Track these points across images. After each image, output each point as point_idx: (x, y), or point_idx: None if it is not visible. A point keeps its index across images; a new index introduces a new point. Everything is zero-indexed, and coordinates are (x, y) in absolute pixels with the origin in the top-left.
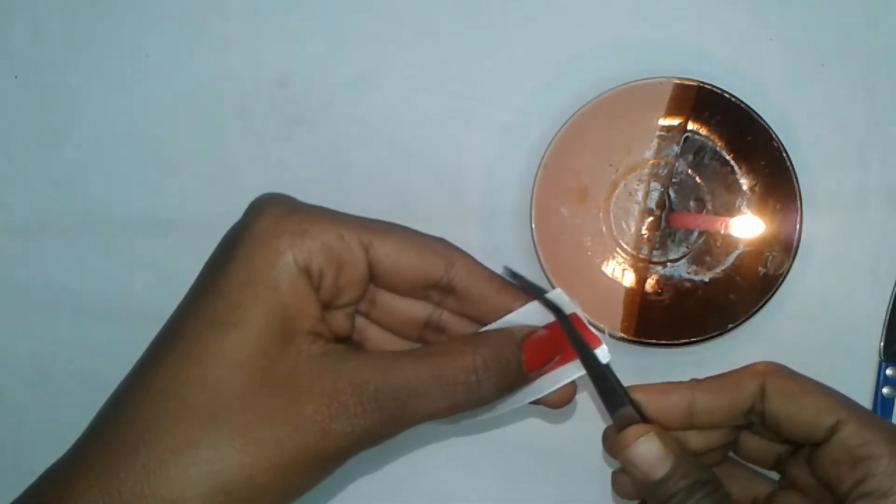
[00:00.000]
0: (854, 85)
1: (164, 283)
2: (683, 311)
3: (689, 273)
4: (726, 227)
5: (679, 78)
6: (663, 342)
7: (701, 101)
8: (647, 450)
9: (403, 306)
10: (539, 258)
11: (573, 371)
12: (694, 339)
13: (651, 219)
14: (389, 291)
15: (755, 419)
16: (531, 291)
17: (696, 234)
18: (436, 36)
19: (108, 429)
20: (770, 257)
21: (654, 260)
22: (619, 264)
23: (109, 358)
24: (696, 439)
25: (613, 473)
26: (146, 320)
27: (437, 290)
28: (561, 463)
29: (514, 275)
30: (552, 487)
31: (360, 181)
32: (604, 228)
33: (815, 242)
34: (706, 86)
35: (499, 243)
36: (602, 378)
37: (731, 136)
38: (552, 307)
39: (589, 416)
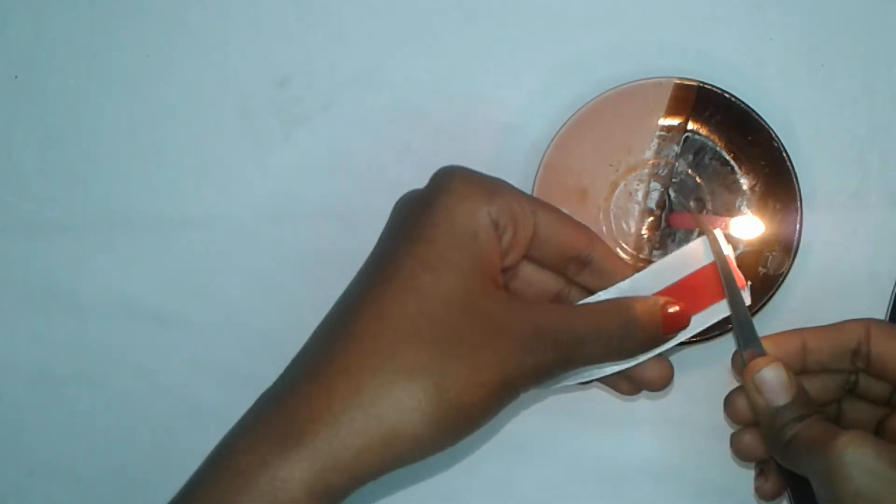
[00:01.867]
0: (854, 85)
1: (164, 283)
2: None
3: None
4: (726, 227)
5: (679, 78)
6: None
7: (701, 101)
8: (775, 376)
9: (542, 279)
10: None
11: (708, 318)
12: (694, 339)
13: (651, 219)
14: (535, 263)
15: (861, 364)
16: (702, 227)
17: (696, 234)
18: (436, 35)
19: (339, 350)
20: (770, 257)
21: (655, 260)
22: None
23: (109, 358)
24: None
25: (732, 435)
26: (146, 320)
27: (576, 262)
28: (560, 463)
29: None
30: (551, 487)
31: (360, 181)
32: (604, 228)
33: (815, 242)
34: (706, 86)
35: None
36: (740, 316)
37: (731, 136)
38: (716, 246)
39: (589, 417)
